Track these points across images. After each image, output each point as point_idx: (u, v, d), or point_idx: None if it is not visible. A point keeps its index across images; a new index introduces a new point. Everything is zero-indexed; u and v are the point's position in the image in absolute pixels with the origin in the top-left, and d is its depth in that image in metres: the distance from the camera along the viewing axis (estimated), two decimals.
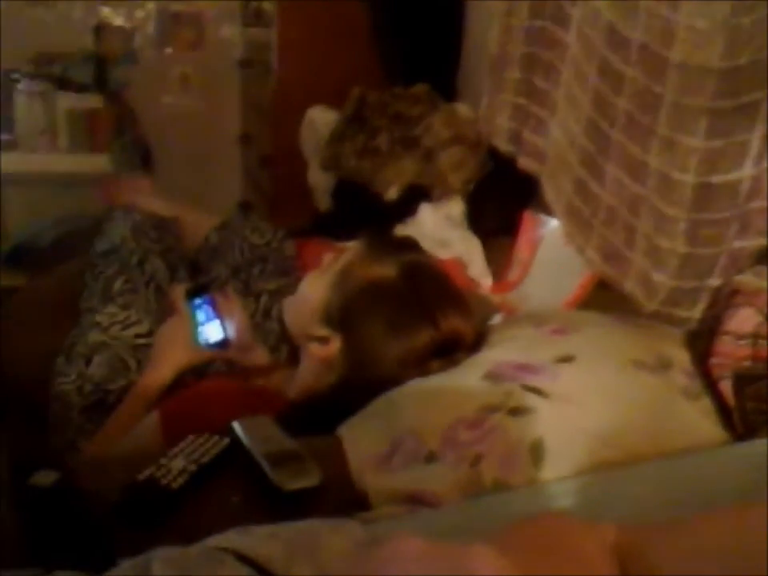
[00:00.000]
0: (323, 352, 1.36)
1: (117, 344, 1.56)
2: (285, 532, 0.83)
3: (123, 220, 1.82)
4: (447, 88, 2.40)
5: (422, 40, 2.47)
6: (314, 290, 1.41)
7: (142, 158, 2.61)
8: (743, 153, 1.22)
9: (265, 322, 1.64)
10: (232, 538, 0.84)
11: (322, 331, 1.36)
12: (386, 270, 1.33)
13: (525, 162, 1.77)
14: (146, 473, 1.09)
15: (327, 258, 1.45)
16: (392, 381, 1.25)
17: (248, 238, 1.81)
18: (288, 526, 0.86)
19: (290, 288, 1.62)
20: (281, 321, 1.62)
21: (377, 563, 0.54)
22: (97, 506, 1.05)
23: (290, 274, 1.75)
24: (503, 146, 1.83)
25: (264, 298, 1.66)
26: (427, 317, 1.30)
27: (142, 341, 1.56)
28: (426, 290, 1.34)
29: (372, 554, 0.56)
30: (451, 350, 1.30)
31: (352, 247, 1.42)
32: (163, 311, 1.61)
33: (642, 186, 1.37)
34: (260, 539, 0.83)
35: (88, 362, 1.54)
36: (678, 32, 1.26)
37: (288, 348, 1.63)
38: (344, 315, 1.34)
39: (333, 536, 0.81)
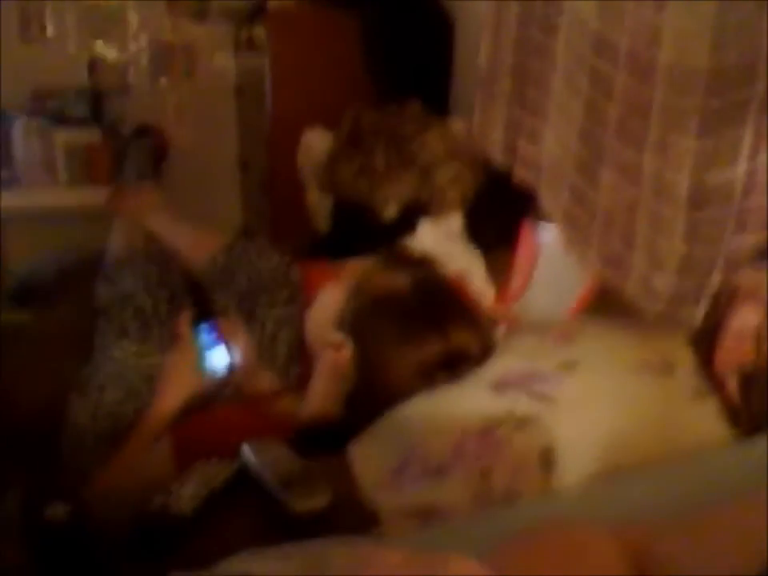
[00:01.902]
0: (336, 358, 1.37)
1: (131, 374, 1.57)
2: (297, 553, 0.83)
3: (132, 271, 1.83)
4: (440, 104, 2.41)
5: (412, 57, 2.48)
6: (330, 300, 1.44)
7: (156, 162, 2.60)
8: (736, 150, 1.22)
9: (272, 347, 1.64)
10: (245, 560, 0.84)
11: (336, 337, 1.38)
12: (399, 282, 1.37)
13: (520, 173, 1.78)
14: (158, 501, 1.10)
15: (346, 269, 1.48)
16: (400, 392, 1.26)
17: (255, 263, 1.80)
18: (300, 546, 0.86)
19: (296, 315, 1.63)
20: (288, 346, 1.63)
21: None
22: (110, 537, 1.05)
23: (297, 301, 1.75)
24: (498, 158, 1.84)
25: (270, 325, 1.67)
26: (437, 330, 1.32)
27: (155, 371, 1.57)
28: (437, 304, 1.36)
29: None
30: (459, 363, 1.31)
31: (368, 260, 1.45)
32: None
33: (637, 188, 1.37)
34: (273, 561, 0.83)
35: (102, 390, 1.55)
36: (665, 34, 1.26)
37: (295, 373, 1.63)
38: (357, 322, 1.36)
39: (341, 555, 0.80)
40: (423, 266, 1.43)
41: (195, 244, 1.91)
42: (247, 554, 0.85)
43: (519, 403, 1.14)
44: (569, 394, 1.14)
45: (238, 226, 3.07)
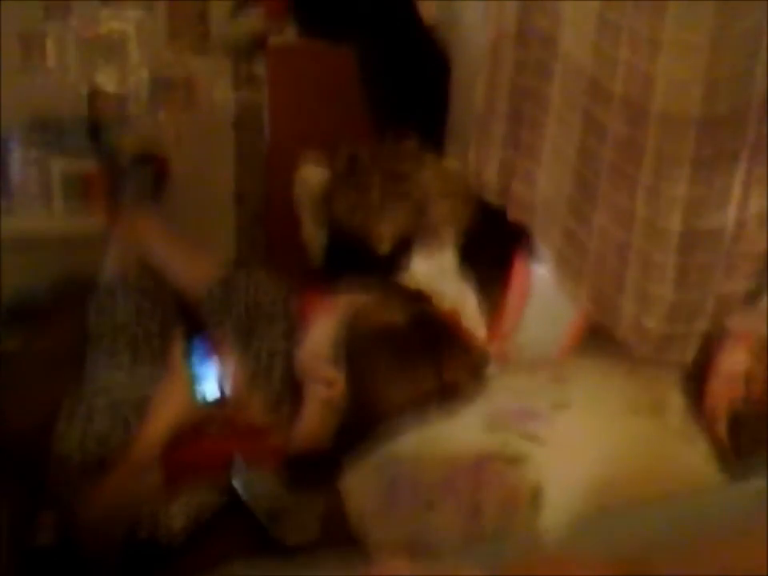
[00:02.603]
0: (327, 393, 1.37)
1: (121, 404, 1.57)
2: (288, 566, 0.83)
3: (125, 300, 1.84)
4: (436, 142, 2.44)
5: (409, 94, 2.51)
6: (323, 331, 1.44)
7: (156, 188, 2.61)
8: (726, 199, 1.25)
9: (266, 379, 1.65)
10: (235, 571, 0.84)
11: (328, 371, 1.38)
12: (394, 315, 1.37)
13: (514, 213, 1.80)
14: (146, 526, 1.10)
15: (340, 301, 1.48)
16: (391, 422, 1.26)
17: (253, 294, 1.80)
18: (290, 567, 0.86)
19: (293, 347, 1.63)
20: (283, 379, 1.63)
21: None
22: (98, 563, 1.05)
23: (293, 334, 1.75)
24: (492, 199, 1.86)
25: (265, 357, 1.67)
26: (431, 365, 1.32)
27: (145, 402, 1.57)
28: (431, 339, 1.37)
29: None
30: (451, 398, 1.31)
31: (363, 292, 1.46)
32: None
33: (628, 233, 1.39)
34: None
35: (90, 420, 1.55)
36: (658, 82, 1.29)
37: (289, 406, 1.63)
38: (351, 354, 1.36)
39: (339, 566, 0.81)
40: (419, 300, 1.43)
41: (192, 269, 1.90)
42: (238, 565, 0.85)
43: (510, 442, 1.14)
44: (560, 433, 1.15)
45: (231, 257, 3.07)
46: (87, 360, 1.74)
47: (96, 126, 2.95)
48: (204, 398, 1.51)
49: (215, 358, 1.54)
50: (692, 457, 1.17)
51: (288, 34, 2.84)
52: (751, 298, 1.29)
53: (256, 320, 1.74)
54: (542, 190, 1.70)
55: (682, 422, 1.22)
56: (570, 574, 0.72)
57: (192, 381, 1.51)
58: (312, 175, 2.39)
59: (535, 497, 1.08)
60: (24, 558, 1.06)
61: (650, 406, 1.22)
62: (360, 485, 1.18)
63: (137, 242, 1.98)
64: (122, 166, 2.77)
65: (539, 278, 1.84)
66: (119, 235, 2.05)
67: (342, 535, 1.12)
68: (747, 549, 0.74)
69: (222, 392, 1.52)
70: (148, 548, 1.08)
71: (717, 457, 1.19)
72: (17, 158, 2.69)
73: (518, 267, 1.93)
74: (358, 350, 1.36)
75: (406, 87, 2.53)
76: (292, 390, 1.60)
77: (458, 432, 1.21)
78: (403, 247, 2.12)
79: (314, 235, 2.37)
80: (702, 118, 1.24)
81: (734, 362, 1.23)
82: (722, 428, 1.20)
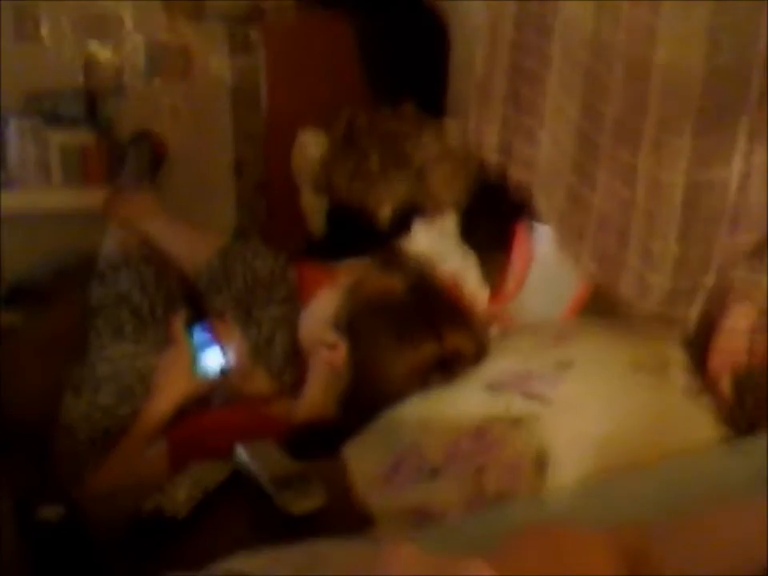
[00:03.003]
0: (331, 357, 1.38)
1: (126, 375, 1.57)
2: (291, 554, 0.82)
3: (128, 272, 1.83)
4: (435, 105, 2.41)
5: (407, 59, 2.48)
6: (326, 301, 1.45)
7: (154, 168, 2.60)
8: (731, 150, 1.22)
9: (268, 349, 1.64)
10: (239, 561, 0.84)
11: (331, 336, 1.38)
12: (394, 284, 1.37)
13: (515, 173, 1.78)
14: (152, 502, 1.09)
15: (342, 271, 1.48)
16: (394, 392, 1.26)
17: (251, 264, 1.80)
18: (294, 547, 0.85)
19: (293, 316, 1.62)
20: (284, 348, 1.63)
21: (373, 569, 0.54)
22: (103, 538, 1.05)
23: (293, 302, 1.75)
24: (493, 158, 1.84)
25: (266, 326, 1.67)
26: (432, 332, 1.32)
27: (150, 372, 1.57)
28: (432, 306, 1.37)
29: (369, 562, 0.56)
30: (453, 365, 1.31)
31: (363, 261, 1.46)
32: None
33: (632, 189, 1.37)
34: (267, 562, 0.83)
35: (96, 391, 1.55)
36: (660, 35, 1.27)
37: (292, 375, 1.63)
38: (352, 322, 1.37)
39: (335, 556, 0.80)
40: (418, 267, 1.43)
41: (191, 248, 1.91)
42: (240, 556, 0.85)
43: (514, 403, 1.14)
44: (563, 394, 1.14)
45: (232, 229, 3.06)
46: (91, 334, 1.74)
47: (93, 97, 2.93)
48: (207, 369, 1.51)
49: (217, 330, 1.54)
50: (695, 415, 1.17)
51: (285, 2, 2.81)
52: (757, 250, 1.27)
53: (255, 290, 1.74)
54: (544, 148, 1.67)
55: (686, 378, 1.21)
56: (569, 547, 0.71)
57: (195, 352, 1.51)
58: (310, 143, 2.37)
59: (540, 457, 1.07)
60: (29, 532, 1.06)
61: (654, 364, 1.21)
62: (364, 453, 1.18)
63: (134, 222, 1.98)
64: (119, 140, 2.75)
65: (542, 244, 1.83)
66: (117, 215, 2.05)
67: (347, 505, 1.12)
68: (751, 511, 0.73)
69: (225, 363, 1.52)
70: (153, 520, 1.08)
71: (721, 413, 1.18)
72: (14, 132, 2.67)
73: (520, 233, 1.92)
74: (359, 320, 1.36)
75: (404, 51, 2.50)
76: (294, 358, 1.60)
77: (461, 397, 1.20)
78: (403, 214, 2.10)
79: (313, 204, 2.36)
80: (705, 70, 1.22)
81: (739, 316, 1.22)
82: (726, 384, 1.19)
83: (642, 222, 1.35)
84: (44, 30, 2.95)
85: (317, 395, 1.40)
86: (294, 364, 1.65)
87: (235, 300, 1.76)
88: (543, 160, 1.69)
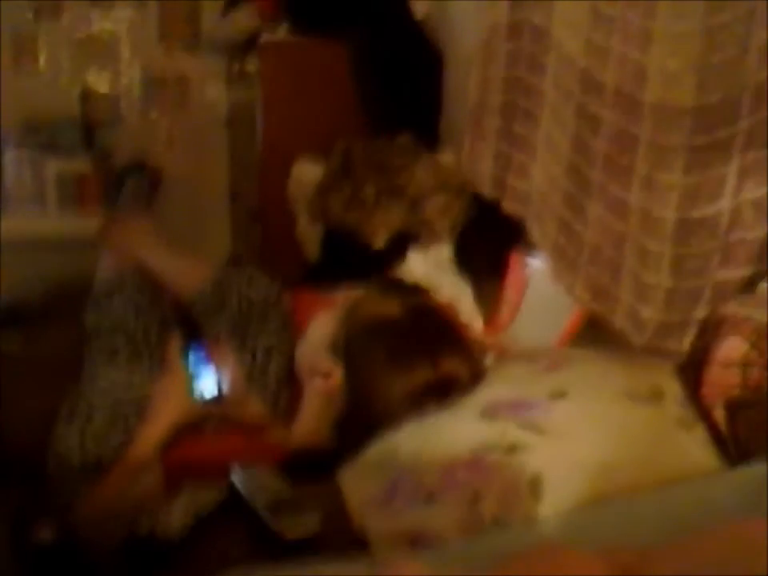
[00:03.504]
0: (326, 385, 1.38)
1: (119, 402, 1.57)
2: (290, 573, 0.83)
3: (122, 298, 1.84)
4: (430, 137, 2.44)
5: (402, 89, 2.52)
6: (322, 327, 1.45)
7: (150, 191, 2.61)
8: (721, 186, 1.25)
9: (262, 377, 1.65)
10: None
11: (327, 364, 1.38)
12: (391, 308, 1.38)
13: (509, 206, 1.80)
14: (146, 526, 1.09)
15: (338, 298, 1.49)
16: (389, 417, 1.26)
17: (245, 292, 1.81)
18: (292, 567, 0.86)
19: (287, 344, 1.63)
20: (278, 376, 1.63)
21: None
22: (98, 561, 1.05)
23: (287, 330, 1.75)
24: (487, 191, 1.86)
25: (260, 354, 1.67)
26: (427, 357, 1.33)
27: (144, 400, 1.57)
28: (428, 331, 1.37)
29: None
30: (448, 391, 1.32)
31: (359, 288, 1.46)
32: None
33: (624, 223, 1.40)
34: None
35: (89, 419, 1.55)
36: (650, 72, 1.30)
37: (285, 401, 1.63)
38: (348, 347, 1.37)
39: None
40: (415, 293, 1.44)
41: (185, 275, 1.91)
42: (239, 573, 0.85)
43: (508, 431, 1.15)
44: (558, 422, 1.15)
45: (227, 255, 3.07)
46: (85, 360, 1.74)
47: (89, 126, 2.95)
48: (202, 396, 1.51)
49: (212, 356, 1.54)
50: (690, 444, 1.18)
51: (280, 32, 2.84)
52: (748, 285, 1.29)
53: (249, 318, 1.75)
54: (537, 182, 1.70)
55: (680, 409, 1.23)
56: (568, 567, 0.72)
57: (190, 379, 1.51)
58: (306, 172, 2.39)
59: (535, 486, 1.08)
60: (25, 556, 1.06)
61: (648, 394, 1.22)
62: (359, 479, 1.18)
63: (129, 249, 1.99)
64: (115, 169, 2.77)
65: (536, 270, 1.84)
66: (112, 242, 2.05)
67: (342, 530, 1.12)
68: (746, 536, 0.74)
69: (219, 390, 1.52)
70: (148, 545, 1.08)
71: (715, 444, 1.20)
72: (11, 159, 2.69)
73: (514, 260, 1.94)
74: (355, 343, 1.37)
75: (399, 83, 2.54)
76: (289, 385, 1.60)
77: (456, 423, 1.21)
78: (398, 242, 2.12)
79: (308, 231, 2.38)
80: (695, 107, 1.25)
81: (731, 349, 1.24)
82: (719, 415, 1.20)
83: (634, 256, 1.37)
84: (42, 61, 2.99)
85: (311, 422, 1.41)
86: (287, 390, 1.65)
87: (230, 327, 1.77)
88: (536, 193, 1.71)
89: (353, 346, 1.36)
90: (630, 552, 0.75)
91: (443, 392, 1.31)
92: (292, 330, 1.71)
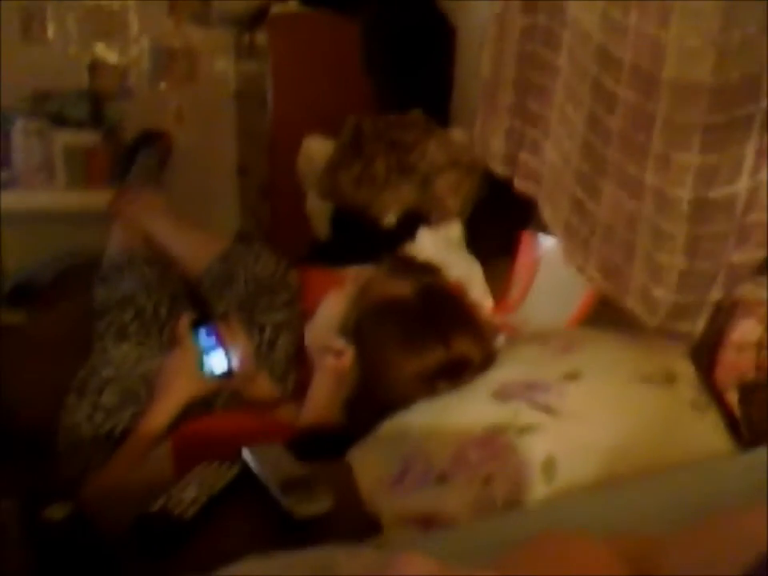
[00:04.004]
0: (337, 364, 1.38)
1: (129, 377, 1.58)
2: (304, 558, 0.83)
3: (131, 273, 1.84)
4: (441, 113, 2.42)
5: (414, 64, 2.50)
6: (333, 306, 1.45)
7: (160, 161, 2.60)
8: (738, 166, 1.23)
9: (270, 353, 1.65)
10: (249, 566, 0.84)
11: (338, 343, 1.38)
12: (402, 288, 1.37)
13: (521, 184, 1.79)
14: (158, 503, 1.09)
15: (349, 277, 1.48)
16: (401, 399, 1.26)
17: (252, 269, 1.81)
18: (304, 552, 0.86)
19: (295, 320, 1.63)
20: (287, 352, 1.63)
21: None
22: (109, 538, 1.05)
23: (295, 306, 1.75)
24: (498, 168, 1.85)
25: (269, 330, 1.67)
26: (439, 337, 1.32)
27: (154, 374, 1.57)
28: (440, 312, 1.36)
29: (382, 570, 0.56)
30: (460, 372, 1.31)
31: (370, 267, 1.46)
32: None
33: (638, 203, 1.38)
34: (277, 567, 0.83)
35: (100, 392, 1.56)
36: (669, 49, 1.28)
37: (294, 379, 1.63)
38: (359, 328, 1.37)
39: (348, 562, 0.81)
40: (426, 273, 1.43)
41: (194, 250, 1.92)
42: (250, 560, 0.85)
43: (521, 412, 1.14)
44: (571, 404, 1.15)
45: (235, 231, 3.07)
46: (95, 334, 1.74)
47: (98, 99, 2.94)
48: (211, 372, 1.52)
49: (221, 331, 1.54)
50: (702, 427, 1.17)
51: (290, 4, 2.82)
52: (763, 267, 1.28)
53: (257, 294, 1.75)
54: (550, 159, 1.68)
55: (693, 391, 1.22)
56: (573, 557, 0.72)
57: (200, 355, 1.52)
58: (317, 148, 2.38)
59: (547, 467, 1.08)
60: (34, 532, 1.06)
61: (661, 376, 1.22)
62: (370, 458, 1.18)
63: (140, 221, 1.99)
64: (124, 142, 2.76)
65: (547, 250, 1.83)
66: (123, 214, 2.05)
67: (353, 509, 1.12)
68: (757, 519, 0.74)
69: (229, 366, 1.52)
70: (159, 522, 1.08)
71: (728, 427, 1.19)
72: (19, 132, 2.68)
73: (525, 240, 1.93)
74: (367, 324, 1.36)
75: (410, 57, 2.51)
76: (297, 363, 1.60)
77: (468, 404, 1.21)
78: (409, 220, 2.11)
79: (318, 208, 2.37)
80: (714, 85, 1.23)
81: (744, 331, 1.23)
82: (732, 397, 1.19)
83: (648, 236, 1.36)
84: (50, 32, 2.97)
85: (322, 400, 1.40)
86: (295, 368, 1.65)
87: (237, 303, 1.77)
88: (548, 171, 1.70)
89: (364, 327, 1.36)
90: (637, 540, 0.75)
91: (455, 373, 1.30)
92: (300, 308, 1.71)
